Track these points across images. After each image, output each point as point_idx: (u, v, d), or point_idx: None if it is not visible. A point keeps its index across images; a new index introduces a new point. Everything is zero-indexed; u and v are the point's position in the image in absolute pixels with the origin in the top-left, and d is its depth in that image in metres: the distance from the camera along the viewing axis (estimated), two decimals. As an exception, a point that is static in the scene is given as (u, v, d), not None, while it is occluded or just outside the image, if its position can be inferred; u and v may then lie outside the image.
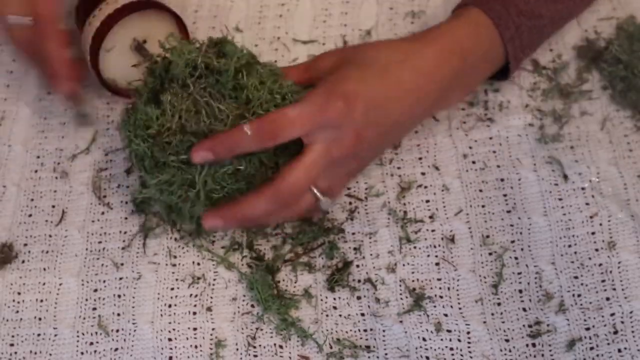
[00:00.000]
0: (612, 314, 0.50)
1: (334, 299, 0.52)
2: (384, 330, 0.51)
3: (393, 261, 0.53)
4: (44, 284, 0.54)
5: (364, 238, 0.54)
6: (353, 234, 0.54)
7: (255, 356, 0.50)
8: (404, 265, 0.53)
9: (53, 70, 0.55)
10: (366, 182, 0.57)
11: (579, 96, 0.59)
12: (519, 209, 0.54)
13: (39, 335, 0.52)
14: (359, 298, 0.52)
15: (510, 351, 0.49)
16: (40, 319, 0.53)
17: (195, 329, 0.52)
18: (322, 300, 0.52)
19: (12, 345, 0.52)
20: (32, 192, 0.58)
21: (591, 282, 0.51)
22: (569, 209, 0.54)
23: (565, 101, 0.59)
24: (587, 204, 0.54)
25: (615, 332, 0.49)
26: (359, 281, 0.53)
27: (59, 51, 0.54)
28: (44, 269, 0.54)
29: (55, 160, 0.59)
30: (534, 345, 0.50)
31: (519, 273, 0.52)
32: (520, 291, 0.52)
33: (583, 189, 0.54)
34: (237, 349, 0.51)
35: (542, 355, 0.49)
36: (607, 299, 0.51)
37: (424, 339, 0.50)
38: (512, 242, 0.53)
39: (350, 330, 0.51)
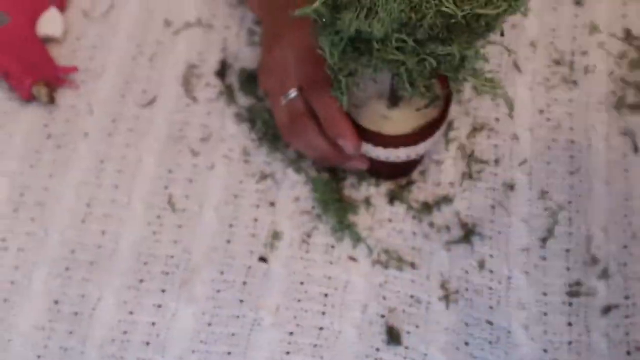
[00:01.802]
0: (655, 287, 0.51)
1: (391, 212, 0.54)
2: (431, 253, 0.53)
3: (452, 193, 0.55)
4: (124, 157, 0.57)
5: (430, 164, 0.56)
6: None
7: (307, 252, 0.53)
8: (461, 199, 0.55)
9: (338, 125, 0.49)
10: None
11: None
12: (582, 172, 0.55)
13: (113, 201, 0.56)
14: (414, 217, 0.54)
15: (546, 304, 0.51)
16: (117, 186, 0.56)
17: (256, 220, 0.55)
18: (379, 210, 0.55)
19: (88, 205, 0.56)
20: (128, 74, 0.61)
21: (640, 254, 0.52)
22: (633, 181, 0.54)
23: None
24: (652, 179, 0.54)
25: (654, 305, 0.50)
26: (417, 201, 0.55)
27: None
28: (127, 145, 0.58)
29: (150, 50, 0.62)
30: (570, 304, 0.51)
31: (570, 234, 0.53)
32: (568, 250, 0.53)
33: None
34: (292, 244, 0.53)
35: (577, 315, 0.50)
36: (653, 272, 0.51)
37: (466, 272, 0.52)
38: (570, 202, 0.54)
39: (400, 245, 0.53)
